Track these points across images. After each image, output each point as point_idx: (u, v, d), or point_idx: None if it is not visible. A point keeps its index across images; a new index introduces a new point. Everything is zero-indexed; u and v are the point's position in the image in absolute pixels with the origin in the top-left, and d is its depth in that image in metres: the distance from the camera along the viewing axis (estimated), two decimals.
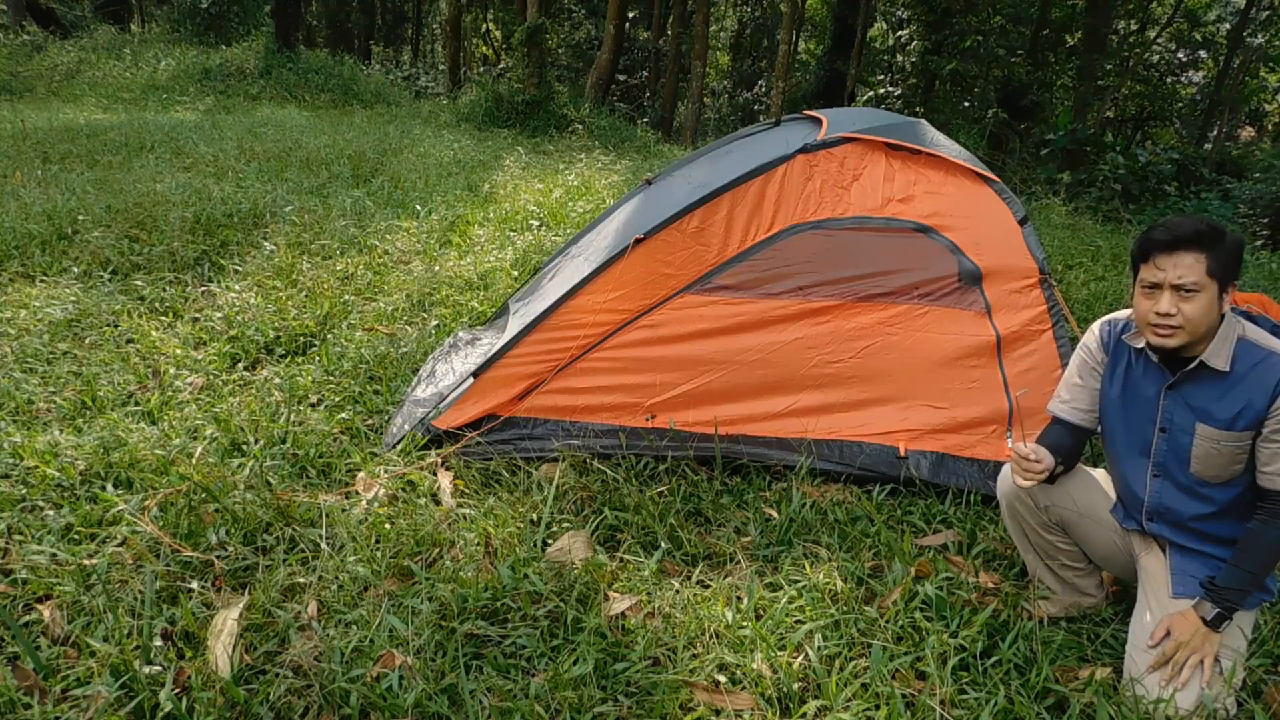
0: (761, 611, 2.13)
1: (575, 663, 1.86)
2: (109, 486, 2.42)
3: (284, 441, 2.75)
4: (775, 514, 2.56)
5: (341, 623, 1.97)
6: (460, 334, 3.58)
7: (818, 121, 3.28)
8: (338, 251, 4.82)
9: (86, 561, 2.09)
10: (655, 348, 2.82)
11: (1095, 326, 2.06)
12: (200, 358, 3.38)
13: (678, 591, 2.18)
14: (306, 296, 4.08)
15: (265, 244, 4.72)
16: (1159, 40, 19.26)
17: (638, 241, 2.87)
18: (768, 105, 18.26)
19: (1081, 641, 2.10)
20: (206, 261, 4.45)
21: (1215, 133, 18.96)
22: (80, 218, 4.71)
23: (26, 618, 1.95)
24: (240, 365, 3.40)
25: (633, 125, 14.13)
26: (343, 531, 2.31)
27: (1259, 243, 8.57)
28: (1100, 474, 2.17)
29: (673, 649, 1.98)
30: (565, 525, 2.45)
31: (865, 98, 16.36)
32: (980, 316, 2.82)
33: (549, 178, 7.65)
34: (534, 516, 2.47)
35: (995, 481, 2.28)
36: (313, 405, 3.08)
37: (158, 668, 1.77)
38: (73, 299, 3.77)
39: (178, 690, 1.72)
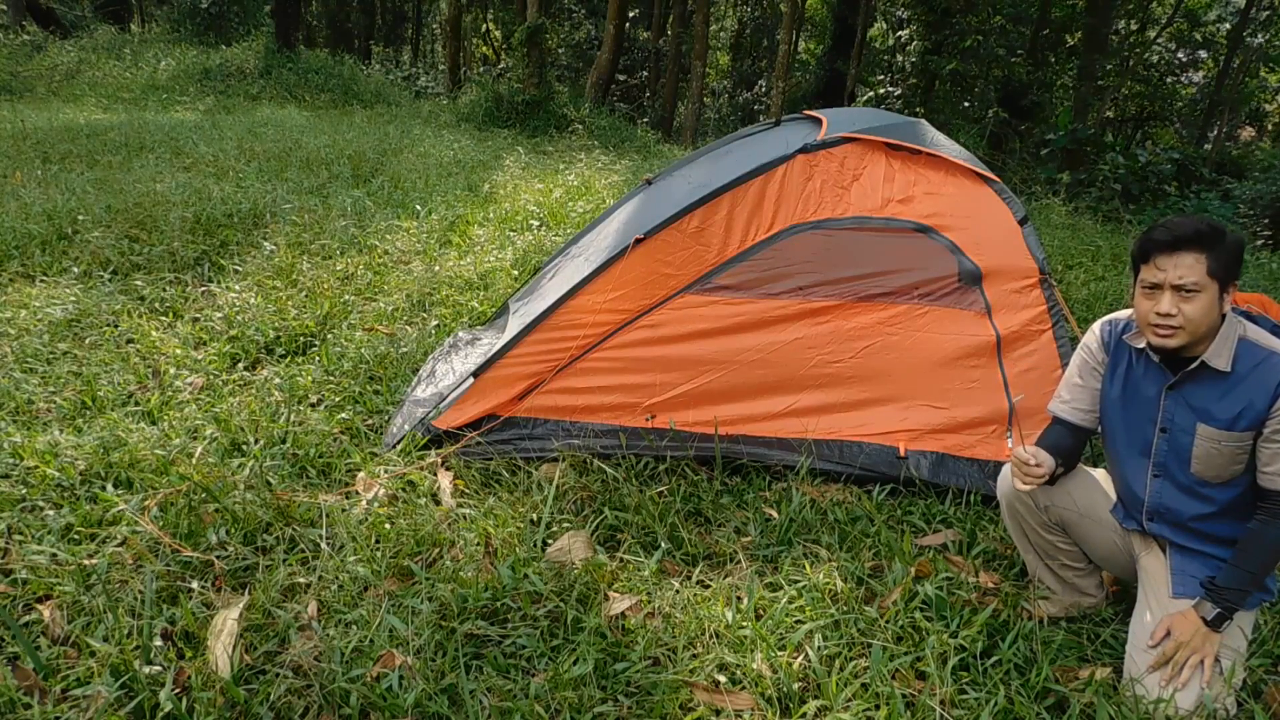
0: (761, 611, 2.13)
1: (575, 663, 1.86)
2: (109, 486, 2.42)
3: (284, 441, 2.75)
4: (775, 514, 2.56)
5: (341, 623, 1.97)
6: (460, 334, 3.58)
7: (818, 121, 3.28)
8: (338, 251, 4.82)
9: (86, 561, 2.09)
10: (655, 348, 2.82)
11: (1096, 326, 2.06)
12: (200, 358, 3.38)
13: (678, 591, 2.18)
14: (306, 296, 4.08)
15: (265, 244, 4.72)
16: (1159, 40, 19.26)
17: (638, 241, 2.87)
18: (768, 105, 18.27)
19: (1081, 641, 2.10)
20: (206, 261, 4.45)
21: (1215, 133, 18.96)
22: (80, 218, 4.71)
23: (26, 618, 1.95)
24: (240, 365, 3.40)
25: (633, 125, 14.13)
26: (343, 531, 2.31)
27: (1259, 243, 8.58)
28: (1100, 474, 2.17)
29: (673, 649, 1.98)
30: (565, 525, 2.45)
31: (865, 98, 16.36)
32: (980, 316, 2.82)
33: (549, 178, 7.65)
34: (534, 516, 2.47)
35: (995, 481, 2.28)
36: (313, 405, 3.08)
37: (158, 668, 1.77)
38: (73, 299, 3.77)
39: (178, 690, 1.72)
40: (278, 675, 1.79)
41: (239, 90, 13.15)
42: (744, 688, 1.86)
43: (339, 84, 13.98)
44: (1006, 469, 2.15)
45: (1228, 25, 18.83)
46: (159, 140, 7.60)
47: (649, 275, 2.87)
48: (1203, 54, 19.77)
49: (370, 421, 3.00)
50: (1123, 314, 2.02)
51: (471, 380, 2.86)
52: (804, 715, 1.80)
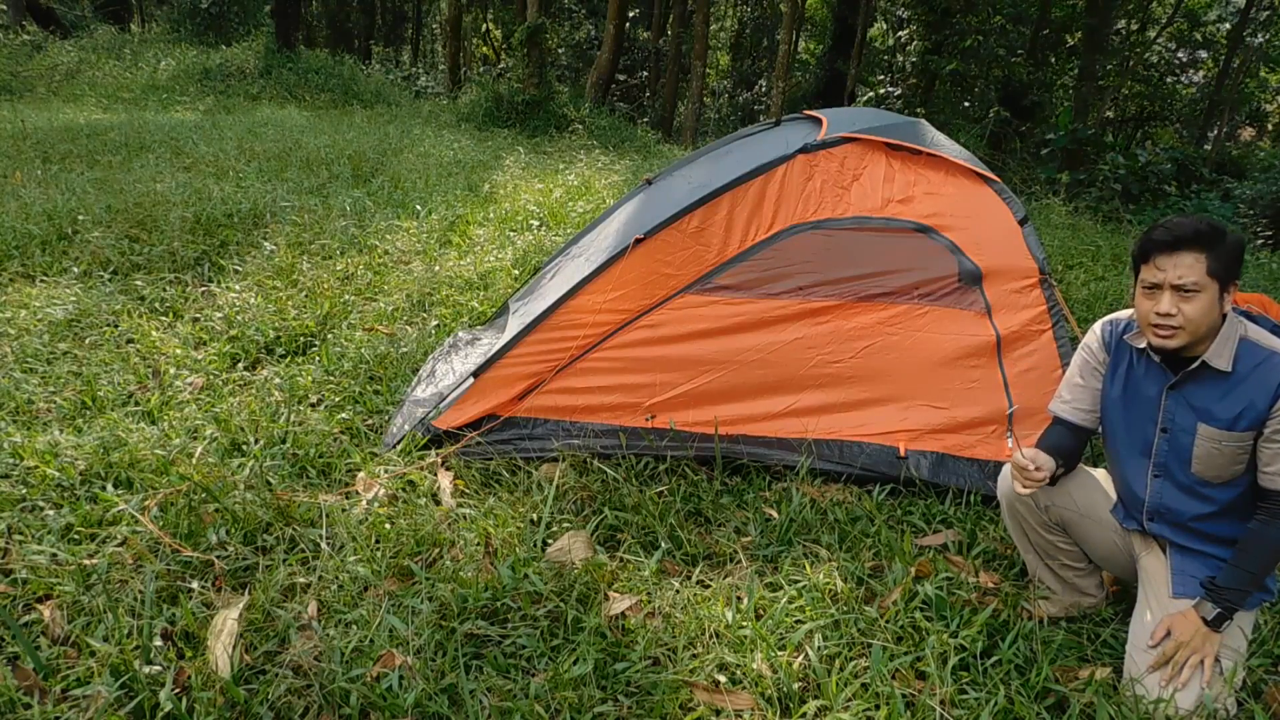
0: (761, 611, 2.13)
1: (575, 663, 1.86)
2: (109, 486, 2.42)
3: (284, 441, 2.75)
4: (775, 514, 2.56)
5: (341, 623, 1.97)
6: (460, 334, 3.58)
7: (818, 121, 3.28)
8: (338, 251, 4.82)
9: (86, 561, 2.08)
10: (655, 348, 2.82)
11: (1097, 326, 2.06)
12: (200, 358, 3.38)
13: (678, 591, 2.18)
14: (306, 296, 4.08)
15: (265, 244, 4.72)
16: (1159, 40, 19.26)
17: (638, 241, 2.87)
18: (768, 105, 18.27)
19: (1081, 641, 2.10)
20: (206, 261, 4.45)
21: (1215, 133, 18.96)
22: (80, 218, 4.71)
23: (26, 618, 1.95)
24: (240, 365, 3.40)
25: (633, 125, 14.13)
26: (343, 531, 2.31)
27: (1259, 243, 8.58)
28: (1101, 474, 2.17)
29: (673, 649, 1.98)
30: (565, 525, 2.45)
31: (865, 98, 16.37)
32: (980, 316, 2.82)
33: (549, 178, 7.65)
34: (534, 516, 2.47)
35: (995, 481, 2.28)
36: (313, 405, 3.08)
37: (158, 668, 1.77)
38: (73, 299, 3.77)
39: (178, 690, 1.72)
40: (278, 675, 1.79)
41: (239, 90, 13.15)
42: (744, 688, 1.86)
43: (339, 84, 13.98)
44: (1007, 469, 2.15)
45: (1228, 25, 18.84)
46: (159, 140, 7.60)
47: (649, 275, 2.87)
48: (1203, 54, 19.78)
49: (370, 421, 3.00)
50: (1124, 314, 2.02)
51: (471, 380, 2.86)
52: (804, 715, 1.80)
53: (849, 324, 2.82)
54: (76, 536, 2.22)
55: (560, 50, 21.12)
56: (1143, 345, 1.91)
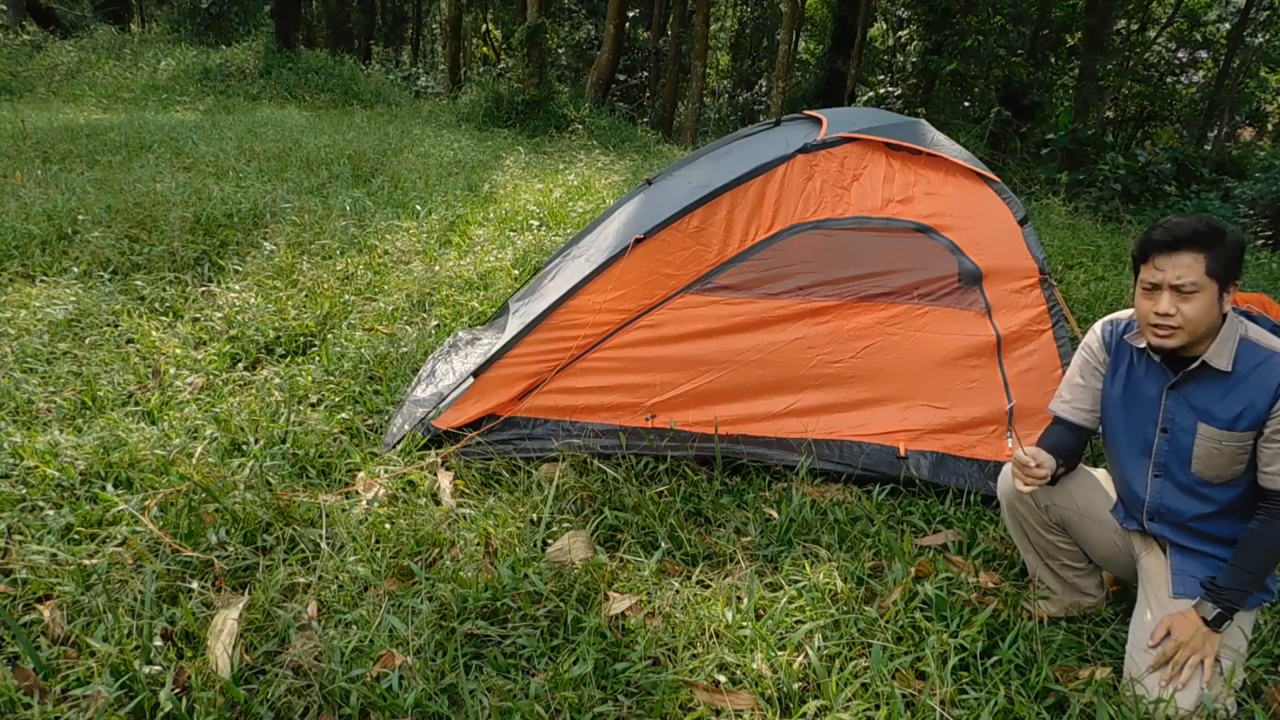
0: (761, 611, 2.13)
1: (575, 663, 1.86)
2: (109, 486, 2.42)
3: (284, 441, 2.75)
4: (775, 514, 2.56)
5: (341, 623, 1.97)
6: (460, 334, 3.58)
7: (818, 121, 3.28)
8: (338, 251, 4.82)
9: (86, 561, 2.08)
10: (655, 348, 2.82)
11: (1097, 326, 2.06)
12: (200, 358, 3.38)
13: (678, 591, 2.18)
14: (306, 296, 4.08)
15: (265, 244, 4.72)
16: (1159, 40, 19.26)
17: (638, 241, 2.87)
18: (768, 105, 18.27)
19: (1081, 641, 2.10)
20: (206, 261, 4.45)
21: (1215, 133, 18.97)
22: (80, 218, 4.71)
23: (26, 618, 1.95)
24: (240, 365, 3.40)
25: (633, 125, 14.13)
26: (343, 531, 2.31)
27: (1259, 243, 8.58)
28: (1101, 474, 2.17)
29: (673, 649, 1.98)
30: (565, 525, 2.45)
31: (865, 98, 16.38)
32: (980, 316, 2.82)
33: (549, 178, 7.65)
34: (534, 516, 2.47)
35: (995, 481, 2.28)
36: (313, 405, 3.08)
37: (158, 668, 1.77)
38: (73, 299, 3.77)
39: (178, 690, 1.72)
40: (278, 675, 1.79)
41: (239, 90, 13.15)
42: (744, 688, 1.86)
43: (339, 84, 13.98)
44: (1007, 468, 2.15)
45: (1228, 25, 18.84)
46: (159, 140, 7.60)
47: (649, 275, 2.87)
48: (1203, 54, 19.77)
49: (370, 421, 3.00)
50: (1124, 314, 2.02)
51: (471, 380, 2.86)
52: (804, 715, 1.80)
53: (849, 324, 2.82)
54: (76, 536, 2.22)
55: (560, 50, 21.12)
56: (1143, 345, 1.91)
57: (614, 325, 2.84)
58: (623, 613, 2.07)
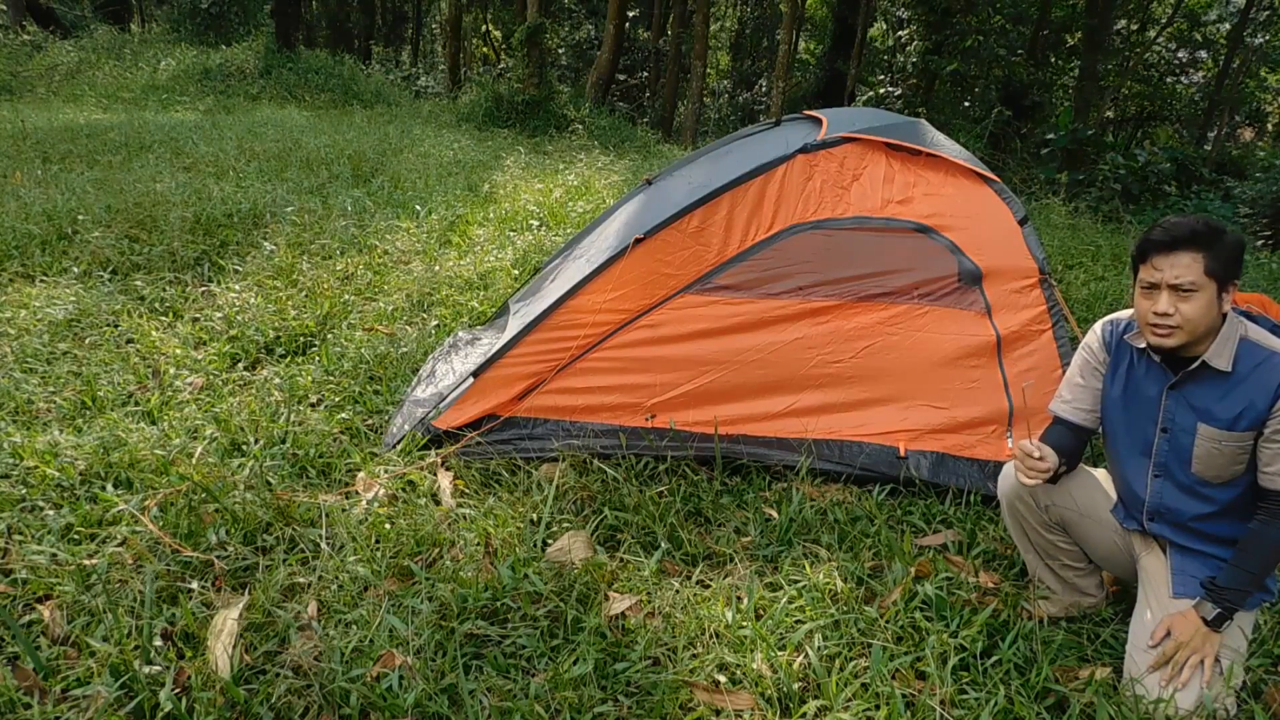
0: (761, 611, 2.13)
1: (575, 663, 1.86)
2: (109, 486, 2.42)
3: (284, 441, 2.75)
4: (775, 514, 2.56)
5: (341, 623, 1.97)
6: (460, 334, 3.58)
7: (818, 121, 3.28)
8: (338, 251, 4.82)
9: (86, 561, 2.08)
10: (655, 348, 2.82)
11: (1097, 326, 2.06)
12: (200, 358, 3.38)
13: (678, 591, 2.18)
14: (306, 296, 4.08)
15: (265, 244, 4.72)
16: (1159, 40, 19.26)
17: (638, 241, 2.87)
18: (768, 105, 18.27)
19: (1081, 641, 2.10)
20: (206, 261, 4.45)
21: (1215, 133, 18.97)
22: (80, 218, 4.71)
23: (26, 618, 1.95)
24: (240, 365, 3.40)
25: (633, 125, 14.13)
26: (343, 531, 2.31)
27: (1259, 243, 8.57)
28: (1101, 474, 2.17)
29: (673, 649, 1.98)
30: (565, 525, 2.45)
31: (865, 98, 16.38)
32: (980, 316, 2.82)
33: (549, 178, 7.65)
34: (534, 516, 2.47)
35: (995, 481, 2.28)
36: (313, 405, 3.08)
37: (158, 668, 1.77)
38: (73, 299, 3.77)
39: (178, 690, 1.72)
40: (278, 675, 1.79)
41: (239, 90, 13.15)
42: (744, 688, 1.86)
43: (339, 84, 13.98)
44: (1007, 468, 2.15)
45: (1228, 25, 18.83)
46: (159, 140, 7.60)
47: (649, 275, 2.87)
48: (1203, 54, 19.77)
49: (370, 421, 3.00)
50: (1124, 314, 2.02)
51: (471, 380, 2.86)
52: (804, 715, 1.80)
53: (849, 324, 2.82)
54: (76, 536, 2.22)
55: (560, 50, 21.12)
56: (1143, 345, 1.91)
57: (614, 325, 2.84)
58: (623, 613, 2.07)
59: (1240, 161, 14.90)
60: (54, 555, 2.11)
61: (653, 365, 2.81)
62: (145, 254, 4.37)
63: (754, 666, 1.90)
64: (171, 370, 3.23)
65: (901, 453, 2.73)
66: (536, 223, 5.88)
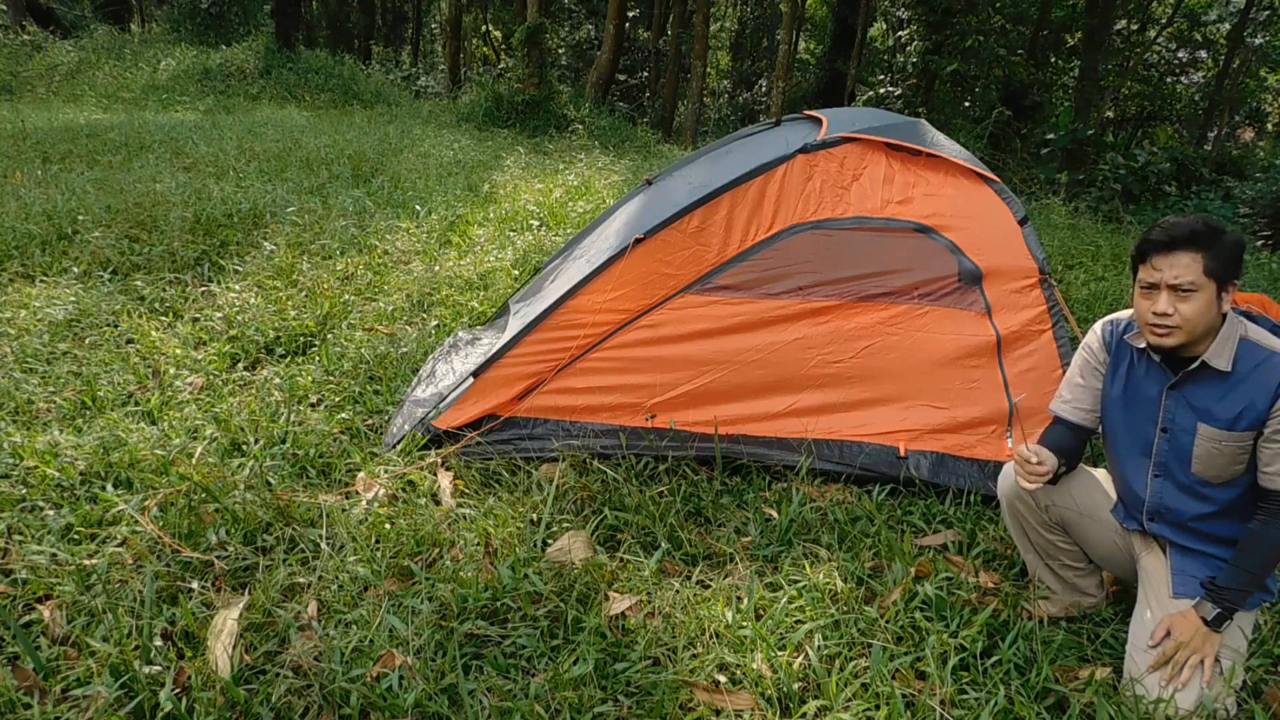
0: (761, 611, 2.13)
1: (575, 663, 1.86)
2: (109, 486, 2.42)
3: (284, 441, 2.75)
4: (775, 514, 2.56)
5: (341, 623, 1.97)
6: (460, 334, 3.58)
7: (818, 121, 3.28)
8: (338, 251, 4.82)
9: (86, 561, 2.08)
10: (655, 348, 2.82)
11: (1097, 326, 2.06)
12: (200, 358, 3.38)
13: (678, 591, 2.18)
14: (306, 296, 4.08)
15: (265, 244, 4.72)
16: (1159, 40, 19.26)
17: (638, 241, 2.87)
18: (768, 105, 18.26)
19: (1081, 641, 2.10)
20: (206, 261, 4.45)
21: (1215, 133, 18.96)
22: (80, 218, 4.71)
23: (26, 618, 1.95)
24: (240, 365, 3.40)
25: (633, 125, 14.13)
26: (343, 531, 2.31)
27: (1259, 243, 8.57)
28: (1101, 474, 2.17)
29: (673, 649, 1.98)
30: (565, 525, 2.45)
31: (865, 98, 16.38)
32: (980, 316, 2.82)
33: (549, 178, 7.65)
34: (534, 516, 2.47)
35: (995, 481, 2.28)
36: (313, 405, 3.08)
37: (158, 668, 1.77)
38: (73, 299, 3.77)
39: (178, 690, 1.72)
40: (278, 675, 1.79)
41: (239, 90, 13.15)
42: (744, 688, 1.86)
43: (339, 84, 13.99)
44: (1007, 468, 2.15)
45: (1228, 25, 18.83)
46: (159, 140, 7.60)
47: (649, 275, 2.87)
48: (1203, 54, 19.76)
49: (370, 421, 3.00)
50: (1124, 314, 2.02)
51: (471, 380, 2.86)
52: (804, 715, 1.80)
53: (849, 324, 2.82)
54: (76, 536, 2.22)
55: (560, 50, 21.12)
56: (1143, 345, 1.91)
57: (614, 325, 2.84)
58: (623, 613, 2.07)
59: (1240, 161, 14.89)
60: (54, 555, 2.11)
61: (653, 365, 2.81)
62: (145, 254, 4.37)
63: (754, 666, 1.90)
64: (171, 370, 3.23)
65: (901, 453, 2.73)
66: (536, 223, 5.88)
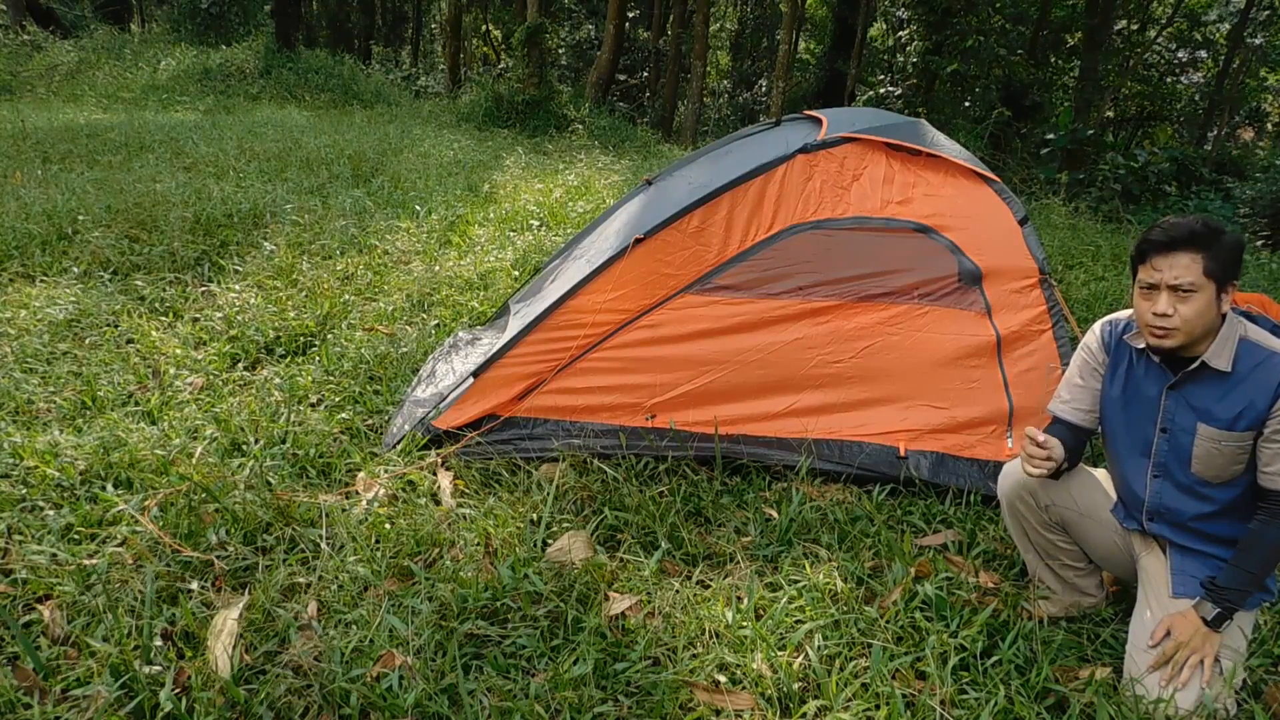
0: (761, 611, 2.13)
1: (575, 663, 1.86)
2: (109, 486, 2.42)
3: (284, 441, 2.75)
4: (775, 514, 2.56)
5: (341, 623, 1.97)
6: (460, 334, 3.58)
7: (818, 121, 3.28)
8: (338, 251, 4.82)
9: (86, 561, 2.09)
10: (655, 348, 2.82)
11: (1096, 327, 2.06)
12: (200, 358, 3.38)
13: (678, 591, 2.18)
14: (306, 296, 4.08)
15: (265, 244, 4.72)
16: (1159, 40, 19.25)
17: (638, 241, 2.87)
18: (768, 105, 18.26)
19: (1081, 641, 2.10)
20: (206, 261, 4.45)
21: (1215, 133, 18.96)
22: (80, 218, 4.71)
23: (26, 618, 1.95)
24: (240, 365, 3.40)
25: (633, 125, 14.13)
26: (343, 531, 2.31)
27: (1259, 243, 8.57)
28: (1101, 474, 2.17)
29: (673, 649, 1.98)
30: (565, 525, 2.45)
31: (865, 98, 16.38)
32: (980, 316, 2.82)
33: (549, 178, 7.65)
34: (534, 516, 2.47)
35: (995, 481, 2.28)
36: (313, 405, 3.08)
37: (158, 668, 1.77)
38: (73, 299, 3.77)
39: (178, 690, 1.72)
40: (278, 675, 1.79)
41: (239, 90, 13.15)
42: (744, 688, 1.86)
43: (339, 84, 13.99)
44: (1008, 468, 2.15)
45: (1228, 25, 18.82)
46: (159, 140, 7.60)
47: (649, 275, 2.87)
48: (1203, 54, 19.75)
49: (370, 421, 3.00)
50: (1123, 314, 2.02)
51: (471, 380, 2.86)
52: (804, 715, 1.80)
53: (849, 324, 2.82)
54: (76, 536, 2.22)
55: (560, 50, 21.12)
56: (1142, 345, 1.91)
57: (614, 325, 2.84)
58: (623, 613, 2.07)
59: (1240, 161, 14.89)
60: (54, 555, 2.11)
61: (653, 365, 2.81)
62: (145, 254, 4.37)
63: (754, 666, 1.90)
64: (171, 370, 3.23)
65: (901, 453, 2.73)
66: (536, 223, 5.88)
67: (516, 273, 4.69)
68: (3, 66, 13.17)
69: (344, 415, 2.97)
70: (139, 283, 4.04)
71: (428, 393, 3.04)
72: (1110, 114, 19.17)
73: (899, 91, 14.53)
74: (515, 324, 3.22)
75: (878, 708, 1.80)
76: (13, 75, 12.97)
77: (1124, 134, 19.71)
